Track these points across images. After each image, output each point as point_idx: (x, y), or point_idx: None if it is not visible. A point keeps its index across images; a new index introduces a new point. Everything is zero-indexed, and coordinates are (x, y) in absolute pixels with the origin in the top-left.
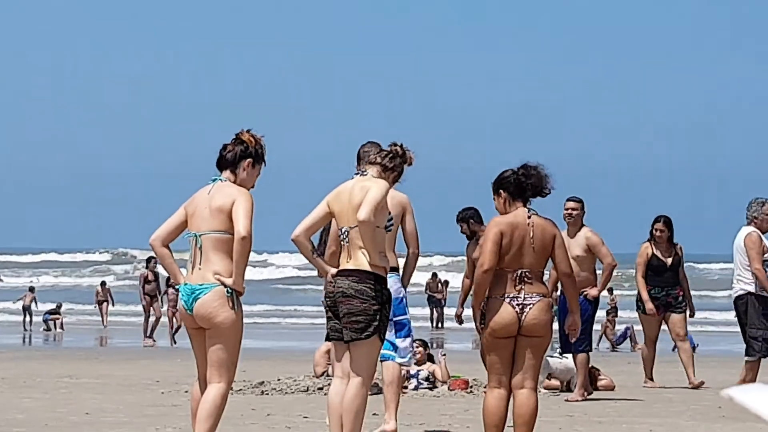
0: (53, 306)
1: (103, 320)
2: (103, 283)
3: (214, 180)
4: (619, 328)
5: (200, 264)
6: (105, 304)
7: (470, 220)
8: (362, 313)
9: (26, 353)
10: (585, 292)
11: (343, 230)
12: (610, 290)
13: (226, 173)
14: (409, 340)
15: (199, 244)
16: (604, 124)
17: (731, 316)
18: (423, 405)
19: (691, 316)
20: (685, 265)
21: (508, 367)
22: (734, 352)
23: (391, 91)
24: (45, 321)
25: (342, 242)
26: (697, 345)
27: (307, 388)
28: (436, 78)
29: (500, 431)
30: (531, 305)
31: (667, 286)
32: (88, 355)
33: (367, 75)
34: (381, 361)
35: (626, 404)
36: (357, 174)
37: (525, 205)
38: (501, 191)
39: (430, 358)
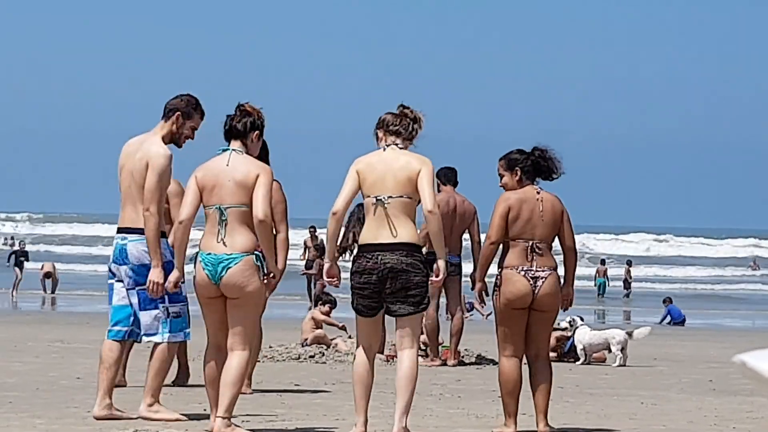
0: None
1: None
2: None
3: (224, 150)
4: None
5: (225, 236)
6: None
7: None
8: (417, 286)
9: (17, 317)
10: None
11: (381, 198)
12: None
13: (237, 143)
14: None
15: (224, 216)
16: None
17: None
18: None
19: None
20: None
21: (521, 338)
22: (723, 326)
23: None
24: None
25: (375, 210)
26: (685, 318)
27: (299, 356)
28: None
29: (517, 397)
30: (543, 278)
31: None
32: (79, 320)
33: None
34: (133, 341)
35: (617, 376)
36: (388, 146)
37: (533, 183)
38: (517, 169)
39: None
